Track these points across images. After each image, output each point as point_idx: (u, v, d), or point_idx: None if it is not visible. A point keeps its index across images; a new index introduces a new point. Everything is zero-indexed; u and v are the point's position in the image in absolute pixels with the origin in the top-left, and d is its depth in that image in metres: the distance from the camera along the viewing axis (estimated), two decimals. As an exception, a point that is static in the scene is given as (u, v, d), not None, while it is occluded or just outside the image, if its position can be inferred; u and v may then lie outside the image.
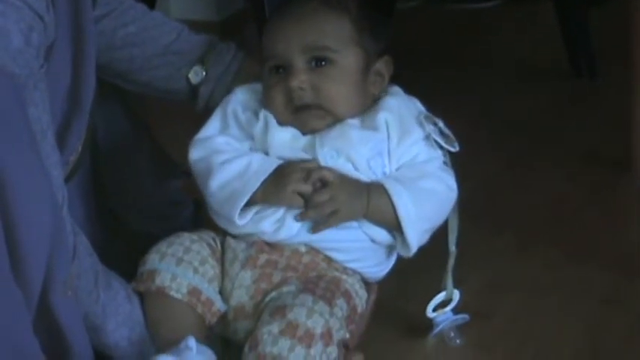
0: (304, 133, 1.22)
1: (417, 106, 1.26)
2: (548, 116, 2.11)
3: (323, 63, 1.21)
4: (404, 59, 1.34)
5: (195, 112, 1.36)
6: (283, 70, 1.22)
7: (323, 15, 1.23)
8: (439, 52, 2.52)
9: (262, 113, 1.23)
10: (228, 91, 1.30)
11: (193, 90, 1.35)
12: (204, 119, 1.29)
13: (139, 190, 1.45)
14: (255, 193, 1.18)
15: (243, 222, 1.19)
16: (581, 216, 1.68)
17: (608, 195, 1.76)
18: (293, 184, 1.17)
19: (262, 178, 1.18)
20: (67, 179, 1.13)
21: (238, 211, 1.18)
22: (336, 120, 1.22)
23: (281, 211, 1.19)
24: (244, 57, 1.37)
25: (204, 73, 1.34)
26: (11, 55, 0.96)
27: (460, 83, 2.29)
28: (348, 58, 1.22)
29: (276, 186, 1.18)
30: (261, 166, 1.19)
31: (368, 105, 1.25)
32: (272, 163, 1.20)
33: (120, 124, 1.42)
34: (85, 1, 1.13)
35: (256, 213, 1.20)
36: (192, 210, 1.51)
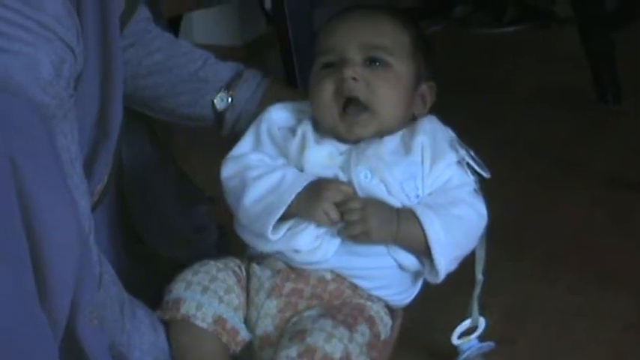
0: (344, 143, 1.22)
1: (450, 132, 1.26)
2: (571, 140, 2.10)
3: (378, 64, 1.22)
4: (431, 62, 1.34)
5: (221, 137, 1.36)
6: (337, 65, 1.22)
7: (384, 19, 1.24)
8: (461, 76, 2.53)
9: (301, 129, 1.23)
10: (255, 117, 1.30)
11: (219, 116, 1.35)
12: (230, 145, 1.29)
13: (163, 216, 1.45)
14: (289, 207, 1.17)
15: (276, 237, 1.18)
16: (604, 240, 1.68)
17: (632, 219, 1.76)
18: (326, 203, 1.16)
19: (297, 191, 1.17)
20: (93, 207, 1.13)
21: (272, 224, 1.17)
22: (379, 129, 1.21)
23: (317, 231, 1.19)
24: (270, 83, 1.37)
25: (229, 100, 1.34)
26: (42, 86, 0.97)
27: (482, 107, 2.29)
28: (402, 66, 1.22)
29: (309, 201, 1.17)
30: (295, 180, 1.19)
31: (406, 123, 1.25)
32: (306, 177, 1.19)
33: (145, 151, 1.42)
34: (113, 31, 1.14)
35: (289, 229, 1.19)
36: (216, 236, 1.52)
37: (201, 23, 2.84)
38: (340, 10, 1.28)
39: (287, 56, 1.82)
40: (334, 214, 1.16)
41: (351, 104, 1.21)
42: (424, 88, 1.26)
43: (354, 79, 1.20)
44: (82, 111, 1.08)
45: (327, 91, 1.21)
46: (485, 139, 1.70)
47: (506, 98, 2.38)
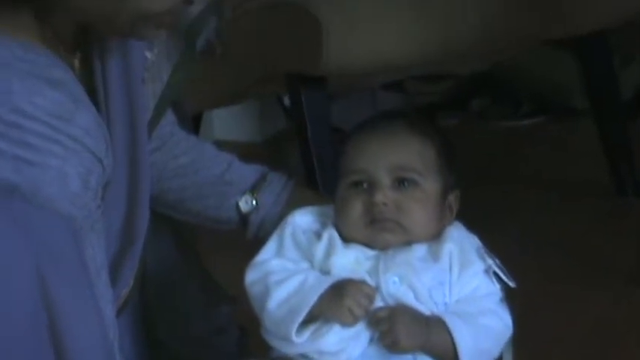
0: (372, 249, 1.23)
1: (476, 240, 1.26)
2: (589, 234, 2.09)
3: (406, 184, 1.22)
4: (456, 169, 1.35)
5: (246, 240, 1.37)
6: (365, 185, 1.22)
7: (410, 137, 1.24)
8: (479, 168, 2.54)
9: (327, 233, 1.23)
10: (280, 219, 1.29)
11: (244, 219, 1.36)
12: (256, 246, 1.30)
13: (186, 318, 1.45)
14: (312, 308, 1.16)
15: (300, 340, 1.17)
16: (624, 339, 1.66)
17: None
18: (349, 300, 1.15)
19: (319, 292, 1.16)
20: (118, 312, 1.14)
21: (296, 327, 1.16)
22: (408, 241, 1.22)
23: (342, 333, 1.17)
24: (295, 186, 1.38)
25: (254, 202, 1.35)
26: (69, 198, 0.98)
27: (500, 199, 2.29)
28: (430, 184, 1.22)
29: (332, 300, 1.16)
30: (317, 282, 1.18)
31: (435, 234, 1.25)
32: (329, 279, 1.19)
33: (170, 252, 1.43)
34: (142, 137, 1.16)
35: (314, 331, 1.18)
36: (237, 336, 1.52)
37: (222, 119, 2.87)
38: (361, 123, 1.29)
39: (306, 151, 1.84)
40: (358, 311, 1.16)
41: (379, 221, 1.21)
42: (451, 198, 1.27)
43: (385, 204, 1.21)
44: (108, 217, 1.09)
45: (355, 212, 1.21)
46: (501, 231, 1.70)
47: (523, 190, 2.38)
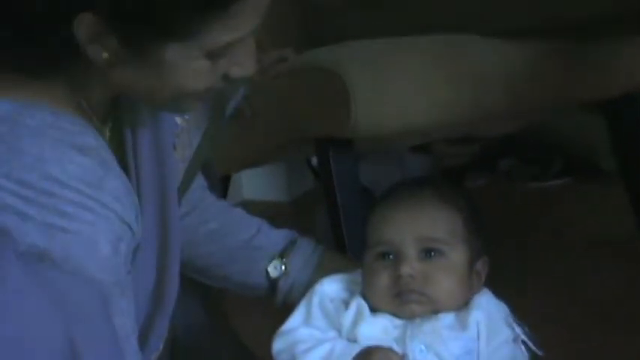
0: (399, 318, 1.22)
1: (504, 307, 1.26)
2: (621, 295, 2.07)
3: (433, 254, 1.22)
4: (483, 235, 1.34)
5: (275, 306, 1.37)
6: (392, 256, 1.23)
7: (436, 207, 1.24)
8: (508, 230, 2.53)
9: (355, 302, 1.23)
10: (308, 285, 1.30)
11: (272, 284, 1.36)
12: (283, 311, 1.30)
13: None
14: None
15: None
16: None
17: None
18: None
19: None
20: (147, 377, 1.14)
21: None
22: (435, 310, 1.21)
23: None
24: (323, 251, 1.38)
25: (283, 268, 1.36)
26: (99, 263, 0.99)
27: (530, 261, 2.28)
28: (457, 253, 1.22)
29: None
30: (345, 350, 1.18)
31: (464, 302, 1.24)
32: (355, 347, 1.19)
33: (199, 318, 1.43)
34: (172, 203, 1.17)
35: None
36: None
37: (250, 179, 2.89)
38: (386, 192, 1.29)
39: (334, 212, 1.84)
40: None
41: (406, 293, 1.21)
42: (479, 265, 1.26)
43: (411, 276, 1.20)
44: (138, 282, 1.10)
45: (382, 284, 1.22)
46: (533, 292, 1.69)
47: (554, 251, 2.36)
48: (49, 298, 0.93)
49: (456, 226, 1.23)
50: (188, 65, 0.99)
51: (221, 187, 1.75)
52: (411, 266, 1.20)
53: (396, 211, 1.24)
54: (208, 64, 1.00)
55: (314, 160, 2.84)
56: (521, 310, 1.25)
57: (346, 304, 1.24)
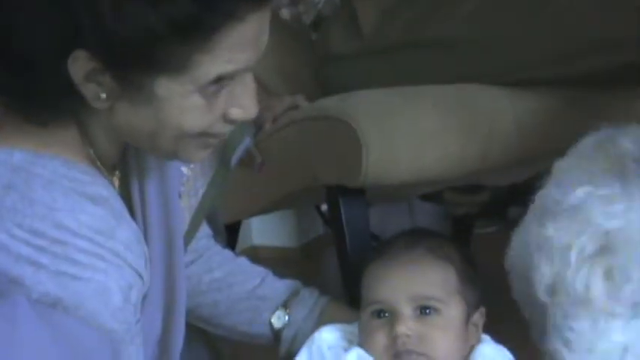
0: None
1: (506, 354, 1.25)
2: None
3: (428, 312, 1.22)
4: (480, 284, 1.34)
5: (279, 356, 1.37)
6: (387, 314, 1.23)
7: (429, 264, 1.24)
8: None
9: (354, 351, 1.23)
10: (312, 335, 1.30)
11: (276, 334, 1.36)
12: (286, 357, 1.29)
13: None
14: None
15: None
16: None
17: None
18: None
19: None
20: None
21: None
22: None
23: None
24: (327, 301, 1.39)
25: (286, 318, 1.36)
26: (111, 311, 0.99)
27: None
28: (452, 309, 1.23)
29: None
30: None
31: (465, 355, 1.25)
32: None
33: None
34: (178, 251, 1.17)
35: None
36: None
37: (259, 225, 2.89)
38: (379, 250, 1.29)
39: (344, 260, 1.84)
40: None
41: (404, 354, 1.21)
42: (476, 317, 1.26)
43: (407, 335, 1.20)
44: (145, 329, 1.10)
45: (379, 343, 1.22)
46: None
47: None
48: (61, 343, 0.94)
49: (449, 281, 1.24)
50: (181, 101, 0.99)
51: (230, 233, 1.75)
52: (407, 326, 1.20)
53: (390, 269, 1.25)
54: (203, 101, 1.00)
55: (323, 207, 2.84)
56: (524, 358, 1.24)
57: (345, 351, 1.24)
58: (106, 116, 1.01)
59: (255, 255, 1.80)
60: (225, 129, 1.05)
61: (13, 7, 0.94)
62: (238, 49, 0.97)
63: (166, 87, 0.97)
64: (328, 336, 1.28)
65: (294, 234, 2.92)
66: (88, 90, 0.98)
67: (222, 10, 0.94)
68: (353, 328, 1.28)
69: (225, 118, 1.03)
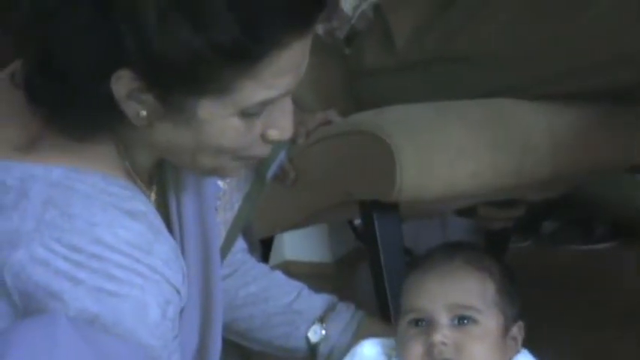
0: None
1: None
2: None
3: (465, 322, 1.22)
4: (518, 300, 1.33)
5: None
6: (424, 323, 1.23)
7: (468, 274, 1.24)
8: (552, 294, 2.50)
9: None
10: (348, 349, 1.30)
11: (312, 349, 1.36)
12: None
13: None
14: None
15: None
16: None
17: None
18: None
19: None
20: None
21: None
22: None
23: None
24: (363, 316, 1.39)
25: (323, 332, 1.36)
26: (149, 328, 1.00)
27: (575, 327, 2.25)
28: (490, 320, 1.22)
29: None
30: None
31: None
32: None
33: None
34: (214, 265, 1.18)
35: None
36: None
37: (292, 240, 2.89)
38: (419, 259, 1.29)
39: (378, 275, 1.84)
40: None
41: None
42: (514, 330, 1.25)
43: (444, 343, 1.20)
44: (183, 344, 1.10)
45: (416, 351, 1.22)
46: (572, 355, 1.66)
47: (600, 318, 2.33)
48: (99, 359, 0.93)
49: (488, 293, 1.23)
50: (222, 123, 0.99)
51: (263, 248, 1.76)
52: (443, 334, 1.20)
53: (428, 278, 1.25)
54: (242, 122, 1.00)
55: (356, 221, 2.84)
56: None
57: None
58: (146, 133, 1.02)
59: (288, 270, 1.80)
60: (263, 149, 1.06)
61: (60, 20, 0.95)
62: (281, 75, 0.98)
63: (208, 109, 0.98)
64: (369, 350, 1.28)
65: (327, 249, 2.92)
66: (130, 108, 0.98)
67: (268, 38, 0.94)
68: (392, 343, 1.28)
69: (263, 139, 1.04)
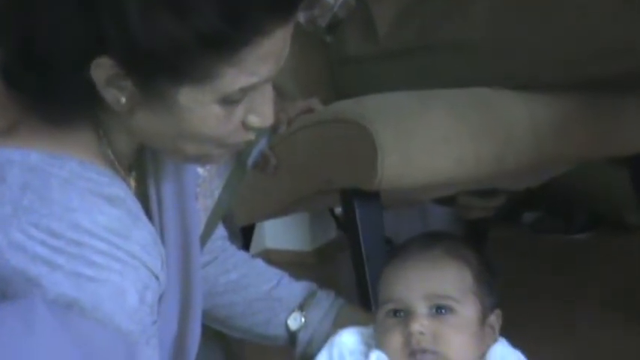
0: None
1: (520, 357, 1.25)
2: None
3: (443, 311, 1.22)
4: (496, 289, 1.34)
5: (294, 358, 1.36)
6: (402, 313, 1.23)
7: (446, 264, 1.24)
8: (531, 282, 2.51)
9: (375, 354, 1.23)
10: (327, 337, 1.30)
11: (292, 336, 1.36)
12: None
13: None
14: None
15: None
16: None
17: None
18: None
19: None
20: None
21: None
22: None
23: None
24: (343, 304, 1.38)
25: (302, 320, 1.36)
26: (127, 313, 1.00)
27: (553, 315, 2.26)
28: (468, 309, 1.23)
29: None
30: None
31: (480, 356, 1.24)
32: None
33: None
34: (194, 252, 1.17)
35: None
36: None
37: (273, 228, 2.89)
38: (396, 250, 1.29)
39: (358, 263, 1.84)
40: None
41: (419, 353, 1.21)
42: (492, 319, 1.26)
43: (421, 333, 1.20)
44: (161, 331, 1.10)
45: (395, 343, 1.22)
46: (552, 342, 1.67)
47: (578, 306, 2.34)
48: (77, 345, 0.93)
49: (465, 282, 1.24)
50: (202, 110, 0.99)
51: (243, 236, 1.75)
52: (421, 324, 1.20)
53: (406, 268, 1.25)
54: (223, 110, 1.00)
55: (337, 210, 2.84)
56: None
57: (365, 355, 1.24)
58: (126, 119, 1.01)
59: (269, 258, 1.80)
60: (244, 136, 1.05)
61: (40, 8, 0.94)
62: (263, 62, 0.98)
63: (188, 96, 0.98)
64: (348, 340, 1.27)
65: (308, 237, 2.92)
66: (109, 94, 0.98)
67: (251, 26, 0.94)
68: (371, 332, 1.28)
69: (245, 126, 1.04)
